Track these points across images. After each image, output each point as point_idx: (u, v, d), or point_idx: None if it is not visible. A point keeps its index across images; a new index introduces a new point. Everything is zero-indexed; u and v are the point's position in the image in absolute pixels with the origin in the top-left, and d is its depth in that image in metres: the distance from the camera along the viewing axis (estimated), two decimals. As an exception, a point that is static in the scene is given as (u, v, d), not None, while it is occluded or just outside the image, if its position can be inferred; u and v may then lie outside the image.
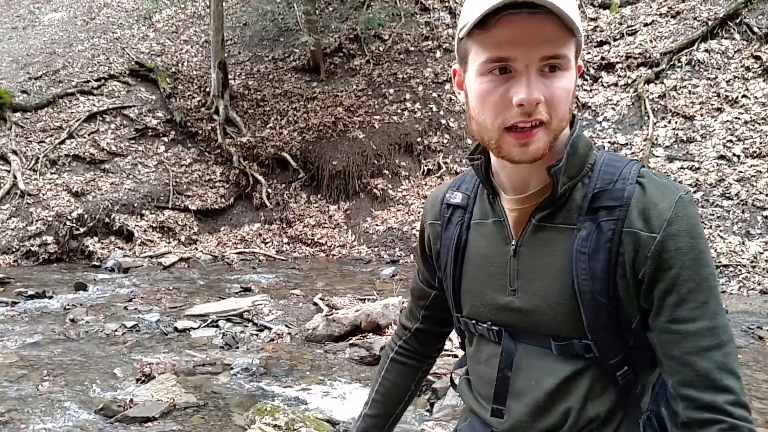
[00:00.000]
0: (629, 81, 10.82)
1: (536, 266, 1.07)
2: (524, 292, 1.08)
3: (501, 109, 0.97)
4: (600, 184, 1.02)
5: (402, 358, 1.44)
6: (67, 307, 7.07)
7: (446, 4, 13.90)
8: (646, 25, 11.58)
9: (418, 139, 11.68)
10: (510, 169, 1.07)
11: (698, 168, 8.94)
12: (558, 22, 0.92)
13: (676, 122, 9.79)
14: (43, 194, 10.53)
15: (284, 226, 11.15)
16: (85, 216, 10.26)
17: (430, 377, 4.67)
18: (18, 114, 12.04)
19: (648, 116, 9.98)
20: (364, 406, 1.46)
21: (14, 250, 9.68)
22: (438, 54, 13.00)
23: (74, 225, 10.08)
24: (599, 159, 1.06)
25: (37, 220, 10.03)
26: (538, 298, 1.07)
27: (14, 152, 11.12)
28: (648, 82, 10.53)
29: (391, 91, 12.58)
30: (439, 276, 1.28)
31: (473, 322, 1.19)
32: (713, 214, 8.23)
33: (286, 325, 6.25)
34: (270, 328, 6.15)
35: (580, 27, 0.96)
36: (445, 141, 11.61)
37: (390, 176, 11.44)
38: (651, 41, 11.15)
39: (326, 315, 6.05)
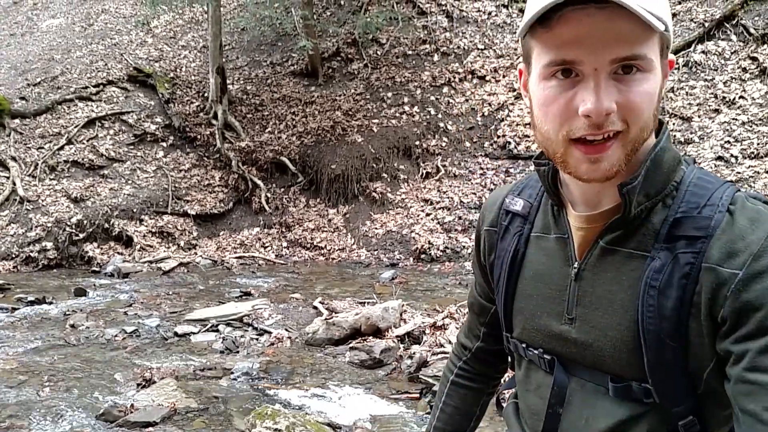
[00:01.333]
0: (627, 83, 10.85)
1: (599, 295, 0.94)
2: (583, 323, 0.96)
3: (565, 118, 0.85)
4: (684, 207, 0.88)
5: (464, 381, 1.32)
6: (67, 313, 7.07)
7: (443, 8, 13.93)
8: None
9: (417, 143, 11.70)
10: (579, 182, 0.93)
11: (696, 169, 8.97)
12: (633, 16, 0.78)
13: (674, 124, 9.82)
14: (43, 200, 10.55)
15: (283, 230, 11.16)
16: (85, 222, 10.26)
17: (430, 380, 4.69)
18: (17, 120, 12.07)
19: (646, 118, 10.00)
20: None
21: (14, 256, 9.69)
22: (436, 57, 13.03)
23: (73, 231, 10.09)
24: (688, 177, 0.92)
25: (36, 226, 10.04)
26: (597, 331, 0.94)
27: (13, 158, 11.14)
28: (645, 83, 10.56)
29: (390, 94, 12.61)
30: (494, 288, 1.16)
31: (523, 345, 1.08)
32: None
33: (286, 329, 6.25)
34: (270, 332, 6.16)
35: (666, 19, 0.83)
36: (444, 144, 11.63)
37: (389, 180, 11.46)
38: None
39: (326, 318, 6.06)
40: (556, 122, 0.86)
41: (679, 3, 11.59)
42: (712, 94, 9.90)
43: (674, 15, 11.44)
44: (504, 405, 1.24)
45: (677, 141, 9.52)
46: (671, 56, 0.90)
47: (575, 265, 0.97)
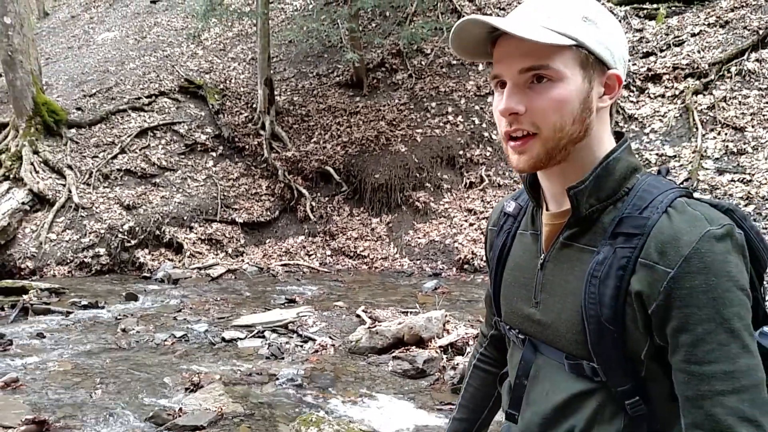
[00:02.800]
0: (677, 92, 10.64)
1: (556, 283, 1.08)
2: (544, 306, 1.11)
3: (499, 120, 1.04)
4: (629, 209, 1.00)
5: (483, 365, 1.50)
6: (119, 317, 7.28)
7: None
8: (693, 35, 11.38)
9: (461, 152, 11.68)
10: (546, 182, 1.10)
11: (750, 180, 8.71)
12: None
13: (726, 134, 9.57)
14: (96, 207, 10.89)
15: (327, 238, 11.27)
16: (137, 228, 10.56)
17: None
18: (73, 130, 12.52)
19: (696, 128, 9.78)
20: (454, 411, 1.54)
21: (69, 261, 10.02)
22: (480, 67, 13.00)
23: (126, 237, 10.39)
24: (640, 183, 1.03)
25: (90, 233, 10.37)
26: (554, 314, 1.08)
27: (69, 167, 11.54)
28: (696, 93, 10.33)
29: (434, 104, 12.63)
30: None
31: (507, 327, 1.24)
32: (766, 228, 8.00)
33: (330, 337, 6.31)
34: (314, 340, 6.22)
35: (577, 35, 0.97)
36: (488, 154, 11.58)
37: (432, 189, 11.46)
38: (699, 51, 10.94)
39: (369, 327, 6.08)
40: (498, 124, 1.05)
41: (732, 11, 11.31)
42: (766, 103, 9.62)
43: (726, 23, 11.17)
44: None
45: (729, 151, 9.27)
46: (614, 71, 1.02)
47: (541, 257, 1.13)
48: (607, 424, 1.03)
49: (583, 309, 1.01)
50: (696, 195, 1.03)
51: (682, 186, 1.03)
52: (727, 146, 9.37)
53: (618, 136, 1.09)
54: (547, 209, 1.13)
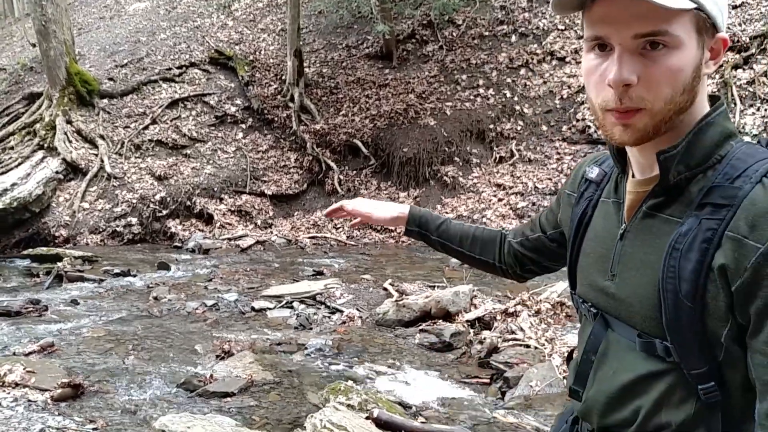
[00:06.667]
0: (715, 66, 10.33)
1: (635, 255, 1.01)
2: (620, 279, 1.04)
3: (600, 88, 0.95)
4: (720, 179, 0.93)
5: (497, 239, 1.53)
6: (151, 286, 7.41)
7: (522, -12, 13.63)
8: (735, 7, 11.02)
9: (491, 126, 11.55)
10: (634, 149, 1.02)
11: (789, 158, 8.49)
12: None
13: (766, 109, 9.31)
14: (128, 177, 11.05)
15: (355, 211, 11.27)
16: (168, 199, 10.70)
17: (501, 366, 4.67)
18: (105, 100, 12.66)
19: (735, 103, 9.52)
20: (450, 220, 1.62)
21: (101, 230, 10.21)
22: (513, 38, 12.78)
23: (157, 207, 10.54)
24: (734, 151, 0.95)
25: (122, 202, 10.54)
26: (630, 288, 1.01)
27: (101, 137, 11.69)
28: (735, 67, 10.04)
29: (464, 77, 12.48)
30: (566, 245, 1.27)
31: (581, 300, 1.17)
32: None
33: (357, 309, 6.35)
34: (342, 311, 6.27)
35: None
36: (519, 128, 11.43)
37: (461, 163, 11.38)
38: (740, 24, 10.60)
39: (396, 300, 6.10)
40: (594, 91, 0.97)
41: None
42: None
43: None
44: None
45: (769, 128, 9.02)
46: (722, 35, 0.95)
47: (622, 227, 1.06)
48: (675, 408, 0.97)
49: (661, 283, 0.94)
50: None
51: None
52: (766, 122, 9.13)
53: (713, 100, 1.01)
54: (632, 176, 1.06)
